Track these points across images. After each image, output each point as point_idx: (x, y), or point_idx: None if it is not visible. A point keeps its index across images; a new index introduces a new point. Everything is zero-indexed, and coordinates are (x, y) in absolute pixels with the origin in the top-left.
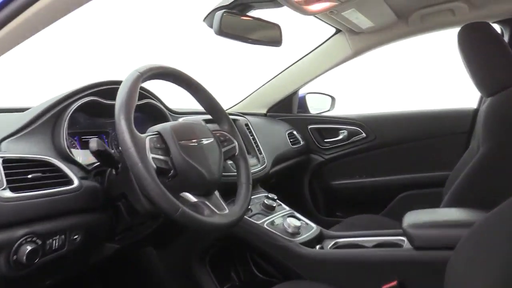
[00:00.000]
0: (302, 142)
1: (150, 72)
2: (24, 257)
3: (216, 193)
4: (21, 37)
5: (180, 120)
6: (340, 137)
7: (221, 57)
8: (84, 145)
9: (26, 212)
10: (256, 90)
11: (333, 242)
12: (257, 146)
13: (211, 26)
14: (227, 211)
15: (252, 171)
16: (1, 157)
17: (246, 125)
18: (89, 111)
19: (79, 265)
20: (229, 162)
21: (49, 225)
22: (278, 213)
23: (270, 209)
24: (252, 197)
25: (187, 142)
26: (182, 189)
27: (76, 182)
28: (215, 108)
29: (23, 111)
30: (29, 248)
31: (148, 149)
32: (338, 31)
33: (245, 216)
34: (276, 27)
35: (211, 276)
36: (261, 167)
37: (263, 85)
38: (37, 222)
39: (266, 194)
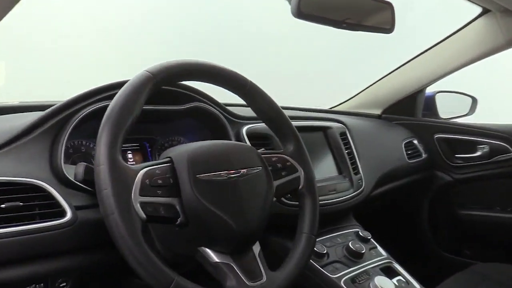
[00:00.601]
0: (424, 155)
1: (168, 71)
2: None
3: (255, 249)
4: None
5: (244, 129)
6: (479, 153)
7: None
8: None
9: None
10: (370, 86)
11: None
12: (354, 163)
13: None
14: (263, 279)
15: (341, 198)
16: None
17: (343, 134)
18: None
19: None
20: None
21: (23, 270)
22: (368, 262)
23: (356, 257)
24: (335, 234)
25: (211, 176)
26: (201, 242)
27: (69, 214)
28: (276, 119)
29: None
30: None
31: (136, 189)
32: (485, 11)
33: (317, 265)
34: (386, 6)
35: None
36: (355, 193)
37: (379, 79)
38: (4, 267)
39: (358, 231)
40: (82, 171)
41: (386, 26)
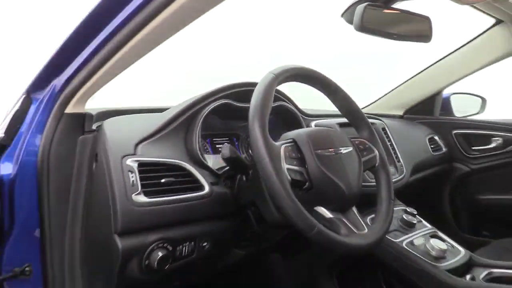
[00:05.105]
0: (444, 149)
1: (286, 74)
2: (156, 263)
3: (354, 209)
4: (161, 37)
5: (313, 124)
6: (493, 145)
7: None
8: (215, 149)
9: (159, 218)
10: (393, 90)
11: (486, 272)
12: (395, 153)
13: (350, 22)
14: (366, 230)
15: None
16: (137, 160)
17: (384, 129)
18: (221, 114)
19: (207, 270)
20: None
21: (181, 231)
22: (419, 231)
23: (409, 226)
24: None
25: (324, 152)
26: (317, 203)
27: (207, 188)
28: (355, 113)
29: (162, 111)
30: (160, 254)
31: (283, 159)
32: (498, 22)
33: None
34: (426, 20)
35: None
36: (400, 177)
37: (401, 83)
38: (169, 228)
39: (405, 208)
40: (228, 150)
41: (425, 36)
